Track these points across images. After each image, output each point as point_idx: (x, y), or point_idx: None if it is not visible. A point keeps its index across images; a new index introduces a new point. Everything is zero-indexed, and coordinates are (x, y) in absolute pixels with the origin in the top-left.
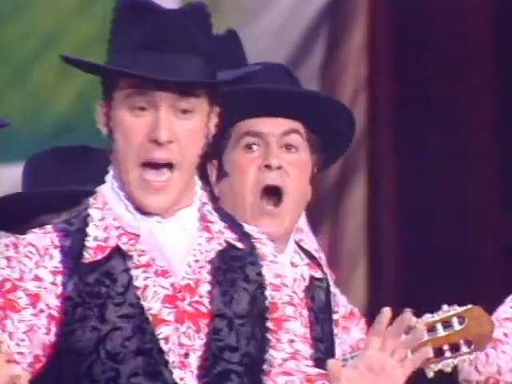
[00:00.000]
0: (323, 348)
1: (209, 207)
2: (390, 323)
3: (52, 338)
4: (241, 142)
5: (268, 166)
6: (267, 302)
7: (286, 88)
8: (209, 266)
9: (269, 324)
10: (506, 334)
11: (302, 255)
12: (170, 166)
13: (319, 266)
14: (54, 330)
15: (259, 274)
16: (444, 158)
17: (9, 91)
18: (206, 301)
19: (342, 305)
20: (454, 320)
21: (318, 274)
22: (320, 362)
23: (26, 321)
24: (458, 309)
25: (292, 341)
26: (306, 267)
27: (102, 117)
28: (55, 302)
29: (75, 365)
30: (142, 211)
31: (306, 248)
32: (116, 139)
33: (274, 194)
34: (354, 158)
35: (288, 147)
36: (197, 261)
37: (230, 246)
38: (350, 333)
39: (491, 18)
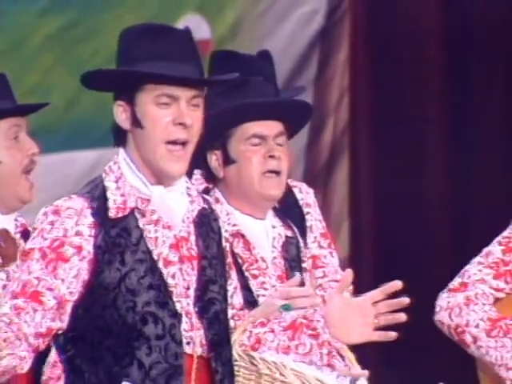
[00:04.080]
0: None
1: (185, 178)
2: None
3: (89, 276)
4: (248, 140)
5: (272, 156)
6: (224, 250)
7: (279, 99)
8: (194, 222)
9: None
10: (476, 295)
11: (278, 219)
12: (184, 143)
13: (290, 227)
14: (91, 270)
15: (219, 227)
16: (406, 146)
17: (83, 94)
18: (194, 247)
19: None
20: None
21: (290, 233)
22: None
23: (75, 266)
24: None
25: (232, 279)
26: (282, 228)
27: (124, 114)
28: (93, 250)
29: (103, 297)
30: (153, 181)
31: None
32: (144, 126)
33: (274, 174)
34: (339, 146)
35: (279, 143)
36: (188, 218)
37: (202, 207)
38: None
39: (443, 39)
